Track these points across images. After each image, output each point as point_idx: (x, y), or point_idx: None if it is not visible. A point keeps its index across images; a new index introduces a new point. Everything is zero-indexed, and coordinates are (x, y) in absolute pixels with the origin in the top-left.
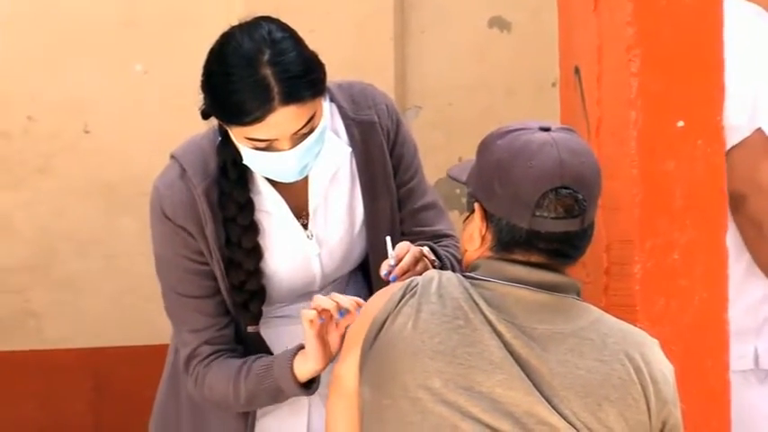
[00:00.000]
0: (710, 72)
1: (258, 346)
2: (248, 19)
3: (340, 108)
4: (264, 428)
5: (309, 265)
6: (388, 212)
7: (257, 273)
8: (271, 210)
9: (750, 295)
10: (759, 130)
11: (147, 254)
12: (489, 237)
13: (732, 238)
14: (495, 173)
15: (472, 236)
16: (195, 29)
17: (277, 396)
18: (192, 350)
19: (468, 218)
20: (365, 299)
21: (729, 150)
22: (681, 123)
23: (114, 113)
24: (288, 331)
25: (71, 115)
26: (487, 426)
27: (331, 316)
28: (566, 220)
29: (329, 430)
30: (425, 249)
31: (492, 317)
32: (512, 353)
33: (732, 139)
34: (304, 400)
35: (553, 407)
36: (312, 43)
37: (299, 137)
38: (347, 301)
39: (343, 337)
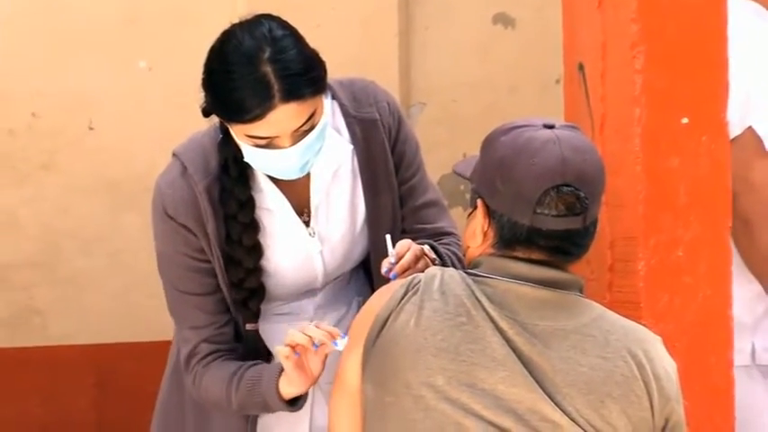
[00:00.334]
0: (715, 69)
1: (257, 344)
2: (249, 17)
3: (341, 106)
4: (267, 425)
5: (311, 263)
6: (389, 210)
7: (257, 271)
8: (272, 207)
9: (747, 291)
10: (750, 128)
11: (151, 251)
12: (491, 233)
13: None
14: (497, 169)
15: (474, 232)
16: (199, 26)
17: (266, 408)
18: (191, 348)
19: (471, 214)
20: (367, 296)
21: None
22: (685, 120)
23: (118, 110)
24: (287, 328)
25: (75, 112)
26: (490, 423)
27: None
28: (567, 217)
29: (332, 428)
30: (426, 248)
31: (494, 314)
32: (514, 350)
33: None
34: (307, 396)
35: (556, 404)
36: (316, 40)
37: (299, 134)
38: (319, 334)
39: (324, 360)
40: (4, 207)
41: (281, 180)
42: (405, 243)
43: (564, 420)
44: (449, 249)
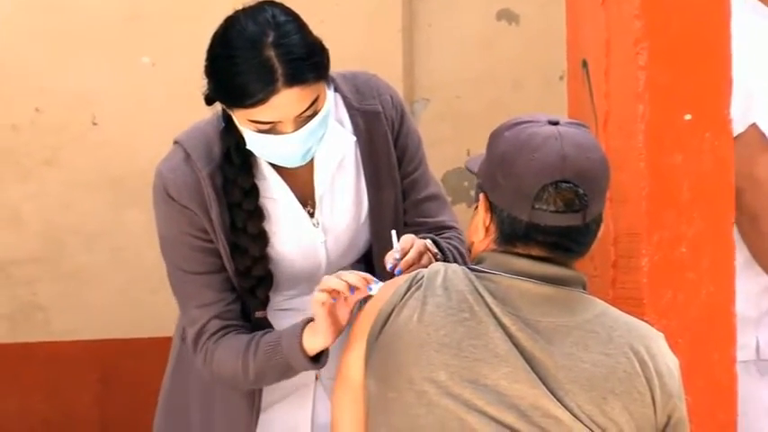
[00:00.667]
0: (718, 65)
1: (266, 325)
2: (252, 4)
3: (344, 98)
4: (269, 420)
5: (315, 253)
6: (391, 203)
7: (263, 259)
8: (276, 197)
9: (751, 286)
10: (754, 125)
11: (154, 246)
12: (493, 228)
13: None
14: (499, 164)
15: (477, 227)
16: (201, 21)
17: (286, 372)
18: (201, 326)
19: (476, 209)
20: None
21: None
22: (688, 116)
23: (121, 106)
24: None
25: (78, 107)
26: (493, 418)
27: (339, 293)
28: (565, 214)
29: (335, 423)
30: (428, 242)
31: (497, 309)
32: (516, 345)
33: None
34: (309, 391)
35: (558, 400)
36: (320, 35)
37: (302, 120)
38: (356, 278)
39: (352, 310)
40: (7, 203)
41: (285, 170)
42: (408, 238)
43: (566, 416)
44: (450, 243)
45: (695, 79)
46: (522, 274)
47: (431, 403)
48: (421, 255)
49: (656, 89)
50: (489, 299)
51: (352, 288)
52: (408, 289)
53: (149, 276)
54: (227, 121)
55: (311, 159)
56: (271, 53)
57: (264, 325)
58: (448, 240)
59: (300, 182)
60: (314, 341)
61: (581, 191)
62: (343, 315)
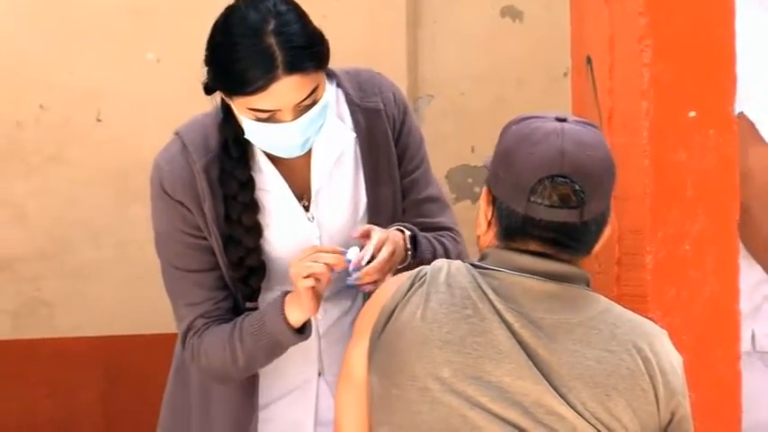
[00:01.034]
0: (722, 62)
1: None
2: None
3: (346, 94)
4: (271, 417)
5: None
6: (390, 201)
7: (257, 249)
8: (271, 189)
9: (746, 278)
10: (741, 114)
11: None
12: (495, 222)
13: None
14: (502, 157)
15: (480, 220)
16: (208, 17)
17: (275, 350)
18: (188, 324)
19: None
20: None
21: None
22: (692, 114)
23: (126, 102)
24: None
25: (83, 104)
26: (496, 415)
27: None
28: (561, 209)
29: (338, 421)
30: (399, 235)
31: (500, 306)
32: (520, 342)
33: None
34: (312, 388)
35: (561, 396)
36: (324, 31)
37: (301, 109)
38: (332, 258)
39: (329, 281)
40: (12, 199)
41: (282, 164)
42: (382, 237)
43: (569, 413)
44: (438, 239)
45: (699, 76)
46: (526, 270)
47: (434, 400)
48: (391, 255)
49: (661, 86)
50: (492, 296)
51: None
52: (411, 286)
53: (154, 272)
54: (226, 112)
55: (309, 154)
56: (271, 41)
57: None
58: (437, 236)
59: (297, 176)
60: (297, 315)
61: (577, 187)
62: (321, 287)
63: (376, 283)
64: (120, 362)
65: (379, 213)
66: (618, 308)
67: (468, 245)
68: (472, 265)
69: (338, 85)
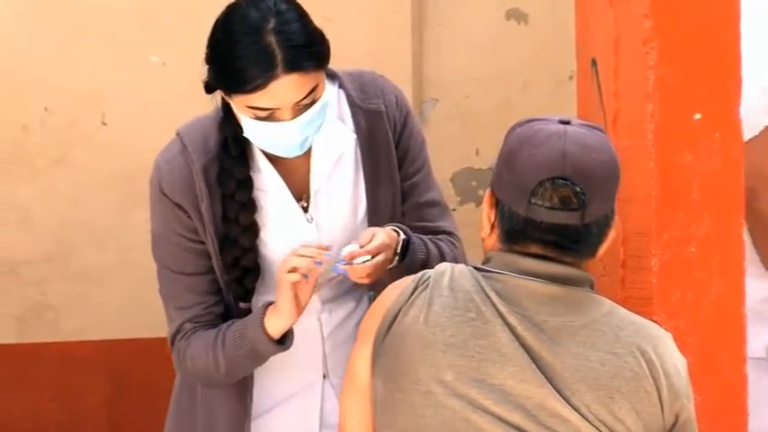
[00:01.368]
0: (728, 64)
1: None
2: None
3: (348, 96)
4: (274, 420)
5: None
6: (389, 203)
7: (253, 250)
8: (270, 189)
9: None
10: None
11: None
12: (497, 225)
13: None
14: (504, 160)
15: (483, 222)
16: (212, 20)
17: (256, 359)
18: (176, 327)
19: None
20: (379, 291)
21: None
22: (698, 116)
23: (131, 105)
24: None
25: (88, 107)
26: (499, 418)
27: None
28: (562, 211)
29: (343, 425)
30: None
31: (503, 309)
32: (523, 345)
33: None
34: (316, 390)
35: (565, 399)
36: (329, 34)
37: (300, 108)
38: (313, 251)
39: (313, 288)
40: (17, 202)
41: (281, 164)
42: (368, 234)
43: (573, 416)
44: (433, 241)
45: (705, 78)
46: (529, 273)
47: (437, 404)
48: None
49: (666, 88)
50: (496, 299)
51: (319, 262)
52: (415, 289)
53: None
54: (226, 111)
55: (309, 154)
56: (271, 39)
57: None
58: (435, 238)
59: (297, 177)
60: (277, 323)
61: (578, 189)
62: (305, 294)
63: (369, 275)
64: (125, 366)
65: (378, 215)
66: (622, 310)
67: (472, 248)
68: (475, 268)
69: (340, 87)
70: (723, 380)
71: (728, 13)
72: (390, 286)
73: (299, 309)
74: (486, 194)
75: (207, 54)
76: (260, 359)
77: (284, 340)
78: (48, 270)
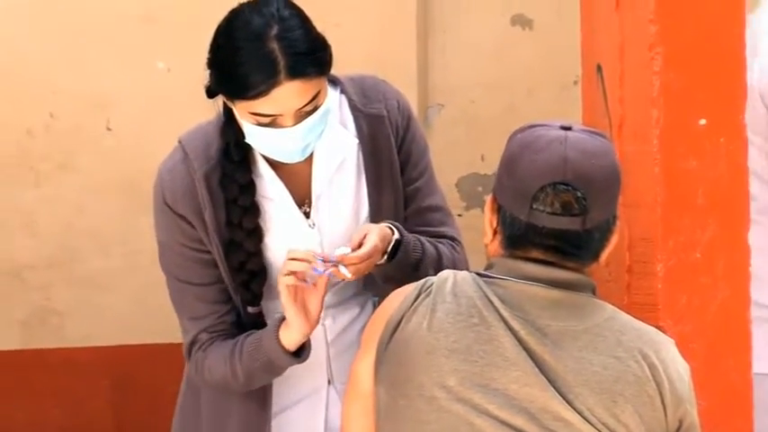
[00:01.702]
0: (733, 70)
1: (258, 328)
2: None
3: (350, 100)
4: (281, 425)
5: None
6: (391, 208)
7: (258, 254)
8: (272, 195)
9: None
10: None
11: None
12: (499, 230)
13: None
14: (506, 165)
15: (485, 228)
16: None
17: (273, 370)
18: (192, 338)
19: None
20: (384, 296)
21: None
22: (703, 122)
23: (136, 111)
24: None
25: (93, 113)
26: (503, 422)
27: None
28: (563, 217)
29: None
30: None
31: (506, 314)
32: (526, 350)
33: None
34: (322, 396)
35: (568, 403)
36: (335, 40)
37: (302, 114)
38: (304, 254)
39: (323, 299)
40: (21, 207)
41: (283, 170)
42: (365, 242)
43: (576, 419)
44: (432, 243)
45: (710, 84)
46: (531, 278)
47: (441, 409)
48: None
49: (671, 94)
50: (498, 304)
51: (318, 269)
52: (418, 296)
53: (164, 281)
54: (228, 117)
55: (310, 160)
56: (274, 45)
57: (258, 321)
58: (435, 241)
59: (299, 182)
60: (290, 335)
61: (579, 194)
62: (315, 306)
63: (354, 273)
64: (130, 371)
65: (380, 220)
66: (624, 315)
67: (478, 253)
68: (478, 274)
69: (342, 92)
70: (729, 385)
71: (733, 19)
72: (393, 293)
73: (310, 320)
74: (488, 200)
75: (209, 59)
76: (277, 371)
77: (300, 352)
78: (52, 275)
